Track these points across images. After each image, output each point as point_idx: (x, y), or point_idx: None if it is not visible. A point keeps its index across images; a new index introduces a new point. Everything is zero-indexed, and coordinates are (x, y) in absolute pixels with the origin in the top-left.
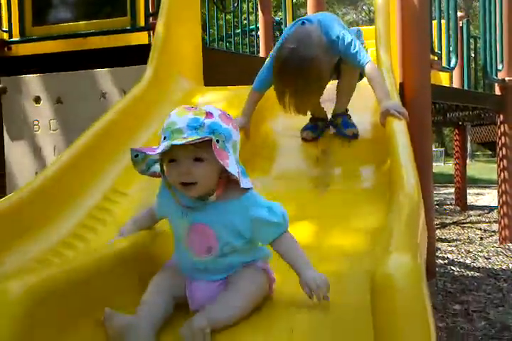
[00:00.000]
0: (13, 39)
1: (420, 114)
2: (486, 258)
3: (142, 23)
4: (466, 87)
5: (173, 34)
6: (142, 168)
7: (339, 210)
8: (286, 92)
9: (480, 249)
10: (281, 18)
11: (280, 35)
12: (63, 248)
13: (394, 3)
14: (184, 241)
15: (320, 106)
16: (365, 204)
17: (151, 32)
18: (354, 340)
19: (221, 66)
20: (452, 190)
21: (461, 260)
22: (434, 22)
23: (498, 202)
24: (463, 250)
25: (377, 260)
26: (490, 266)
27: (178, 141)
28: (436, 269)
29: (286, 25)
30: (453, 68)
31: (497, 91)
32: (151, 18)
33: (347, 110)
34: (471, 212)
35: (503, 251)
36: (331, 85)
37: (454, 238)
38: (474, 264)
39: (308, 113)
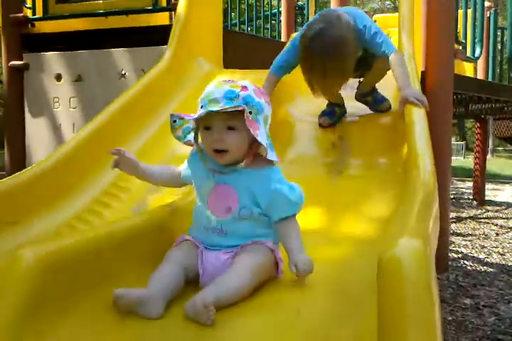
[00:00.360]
0: (36, 16)
1: (441, 103)
2: (501, 254)
3: (164, 4)
4: (490, 79)
5: (194, 15)
6: (179, 135)
7: (351, 197)
8: (314, 72)
9: (495, 245)
10: (303, 3)
11: (302, 20)
12: (78, 222)
13: None
14: (206, 200)
15: (338, 92)
16: (377, 191)
17: (173, 13)
18: (360, 321)
19: (242, 49)
20: (471, 184)
21: (475, 255)
22: (461, 11)
23: None
24: (477, 245)
25: (386, 244)
26: (504, 262)
27: (214, 108)
28: (449, 263)
29: (308, 10)
30: (477, 58)
31: None
32: None
33: (374, 88)
34: (489, 207)
35: None
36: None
37: (470, 232)
38: (488, 259)
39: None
